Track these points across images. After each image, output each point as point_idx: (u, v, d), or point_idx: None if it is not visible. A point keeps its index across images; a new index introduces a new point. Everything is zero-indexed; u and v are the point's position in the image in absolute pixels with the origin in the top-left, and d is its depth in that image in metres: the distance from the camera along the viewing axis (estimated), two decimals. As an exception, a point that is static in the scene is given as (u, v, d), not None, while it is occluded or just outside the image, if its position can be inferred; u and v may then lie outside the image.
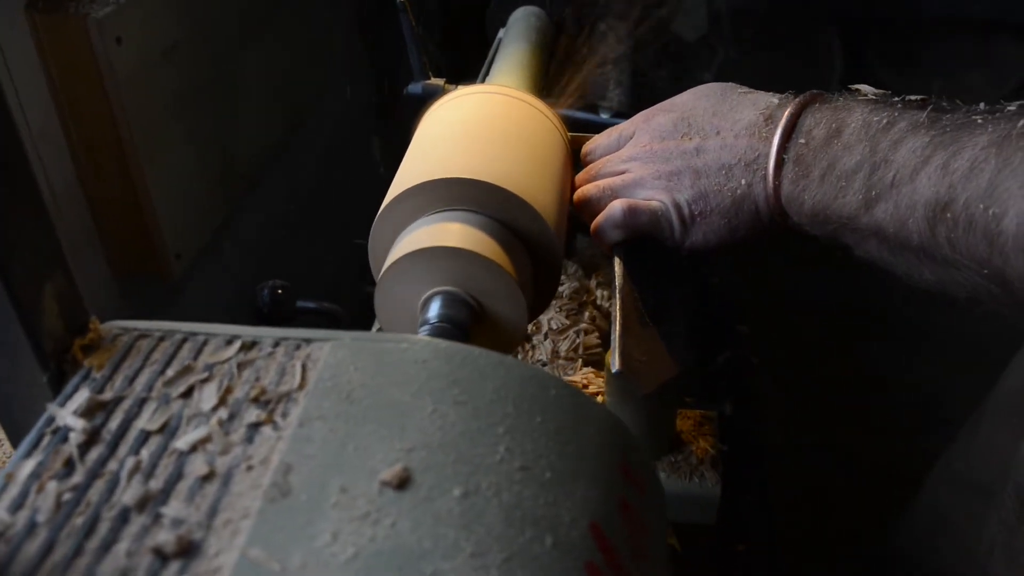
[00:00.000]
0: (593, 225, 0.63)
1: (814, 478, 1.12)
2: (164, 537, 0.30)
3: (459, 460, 0.33)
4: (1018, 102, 0.46)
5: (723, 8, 1.51)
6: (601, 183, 0.64)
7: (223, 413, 0.35)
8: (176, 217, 0.97)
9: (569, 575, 0.32)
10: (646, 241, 0.62)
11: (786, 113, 0.55)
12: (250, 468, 0.33)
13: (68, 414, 0.34)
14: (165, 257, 0.97)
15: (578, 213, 0.65)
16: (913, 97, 0.52)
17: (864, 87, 0.57)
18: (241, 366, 0.37)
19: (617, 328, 0.55)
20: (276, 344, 0.38)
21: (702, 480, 0.73)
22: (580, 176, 0.67)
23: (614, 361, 0.53)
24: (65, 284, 0.38)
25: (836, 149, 0.51)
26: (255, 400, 0.35)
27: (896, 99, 0.53)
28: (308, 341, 0.38)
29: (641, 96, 1.45)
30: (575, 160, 0.70)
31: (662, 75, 1.60)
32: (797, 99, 0.56)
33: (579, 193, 0.65)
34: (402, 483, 0.32)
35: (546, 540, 0.32)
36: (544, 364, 0.83)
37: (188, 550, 0.30)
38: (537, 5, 0.93)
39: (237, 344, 0.38)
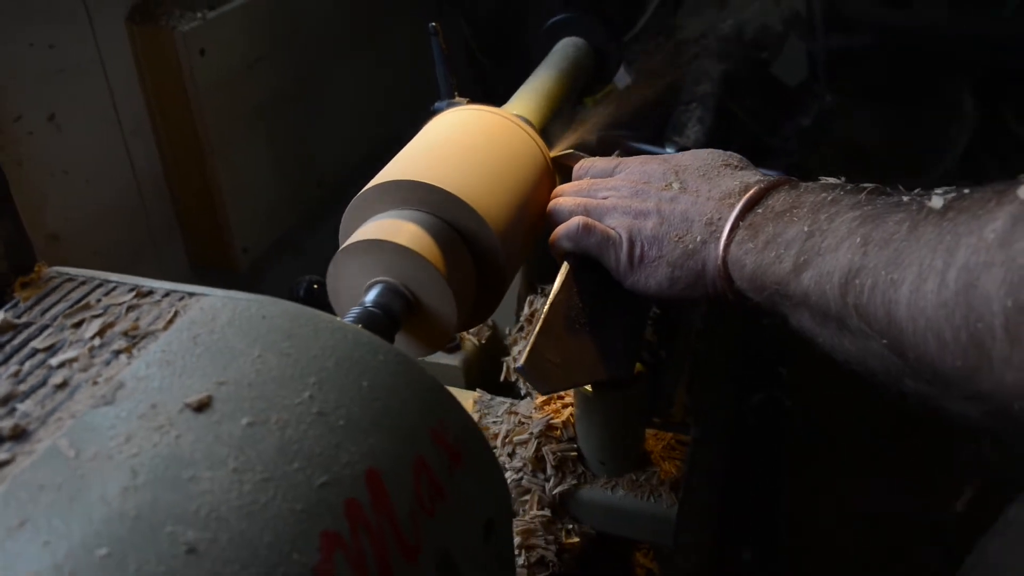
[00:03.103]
0: (553, 233, 0.67)
1: (838, 536, 1.09)
2: (4, 424, 0.37)
3: (260, 397, 0.39)
4: (951, 188, 0.47)
5: (821, 52, 1.50)
6: (579, 200, 0.68)
7: (97, 341, 0.42)
8: (246, 214, 1.08)
9: (325, 504, 0.36)
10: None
11: (755, 188, 0.59)
12: (95, 383, 0.40)
13: (-16, 329, 0.43)
14: (233, 249, 1.09)
15: (548, 220, 0.69)
16: (867, 184, 0.54)
17: (830, 179, 0.59)
18: (130, 308, 0.44)
19: (536, 327, 0.59)
20: (166, 295, 0.45)
21: (658, 500, 0.74)
22: (562, 187, 0.71)
23: (520, 357, 0.57)
24: (12, 231, 0.46)
25: (785, 220, 0.55)
26: (125, 334, 0.42)
27: (851, 184, 0.56)
28: (191, 295, 0.45)
29: (728, 138, 1.46)
30: (564, 180, 0.74)
31: (759, 119, 1.60)
32: (772, 179, 0.60)
33: (554, 203, 0.69)
34: (201, 407, 0.38)
35: (314, 472, 0.37)
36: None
37: (20, 436, 0.37)
38: (586, 35, 0.97)
39: (135, 292, 0.45)
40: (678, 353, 1.09)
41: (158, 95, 0.97)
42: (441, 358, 0.91)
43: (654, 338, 1.00)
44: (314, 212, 1.24)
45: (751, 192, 0.59)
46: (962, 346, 0.40)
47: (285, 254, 1.23)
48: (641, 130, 1.45)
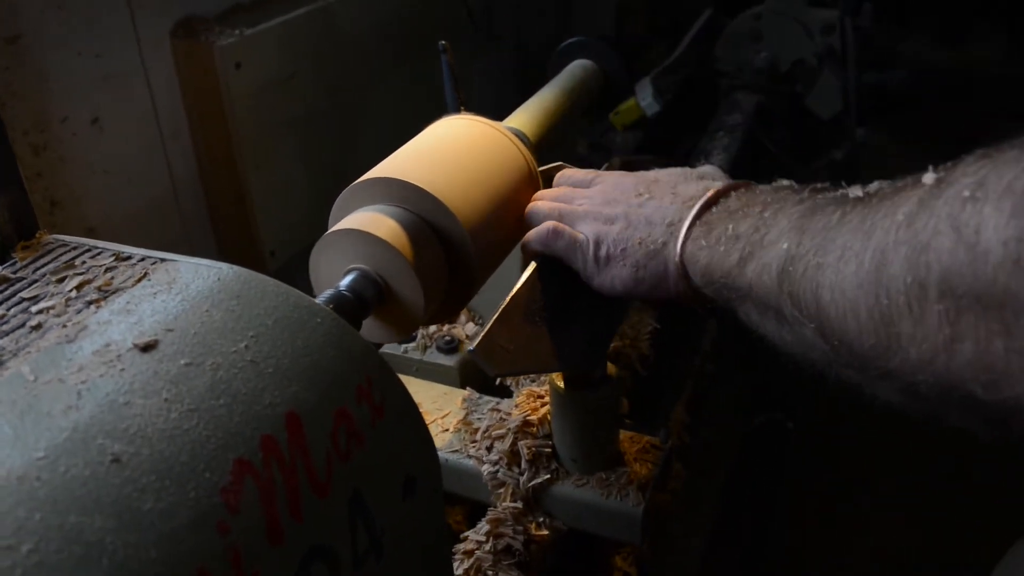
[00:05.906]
0: (525, 236, 0.72)
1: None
2: (-18, 354, 0.43)
3: (200, 344, 0.44)
4: (888, 181, 0.50)
5: (852, 87, 1.52)
6: (554, 204, 0.72)
7: (74, 294, 0.48)
8: (274, 219, 1.15)
9: (240, 436, 0.41)
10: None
11: (714, 190, 0.62)
12: (64, 327, 0.45)
13: (-18, 280, 0.49)
14: (260, 251, 1.15)
15: (525, 222, 0.74)
16: (819, 185, 0.57)
17: (783, 181, 0.62)
18: (108, 269, 0.50)
19: (495, 316, 0.63)
20: (141, 259, 0.51)
21: (625, 499, 0.77)
22: (541, 192, 0.76)
23: (474, 340, 0.61)
24: (18, 200, 0.53)
25: (737, 217, 0.58)
26: (99, 289, 0.48)
27: (801, 184, 0.59)
28: (163, 260, 0.51)
29: (756, 168, 1.49)
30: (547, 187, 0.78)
31: (789, 150, 1.62)
32: (732, 183, 0.64)
33: (530, 207, 0.73)
34: (147, 348, 0.43)
35: (237, 409, 0.42)
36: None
37: (-8, 364, 0.43)
38: (596, 59, 1.02)
39: (115, 256, 0.52)
40: (678, 370, 1.12)
41: (196, 104, 1.05)
42: (438, 359, 0.95)
43: (651, 352, 1.03)
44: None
45: (709, 193, 0.62)
46: (875, 324, 0.43)
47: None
48: (668, 155, 1.49)
